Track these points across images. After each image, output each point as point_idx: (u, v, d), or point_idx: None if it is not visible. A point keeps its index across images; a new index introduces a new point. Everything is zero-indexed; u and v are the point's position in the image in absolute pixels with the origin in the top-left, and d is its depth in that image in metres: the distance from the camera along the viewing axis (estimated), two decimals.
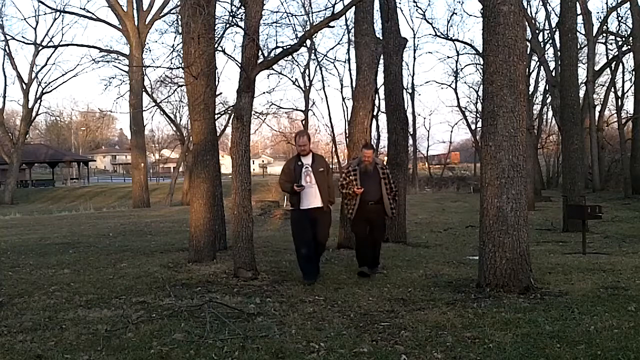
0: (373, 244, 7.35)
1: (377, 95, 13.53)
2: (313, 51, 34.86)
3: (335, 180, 7.79)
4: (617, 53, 33.81)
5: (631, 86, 33.34)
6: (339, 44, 57.69)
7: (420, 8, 56.37)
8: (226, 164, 34.07)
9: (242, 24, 7.37)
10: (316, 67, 39.47)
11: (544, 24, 33.27)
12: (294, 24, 29.98)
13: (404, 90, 15.49)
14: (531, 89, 34.49)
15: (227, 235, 9.64)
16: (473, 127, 42.70)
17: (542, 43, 30.71)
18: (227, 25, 8.35)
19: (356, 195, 7.18)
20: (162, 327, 4.75)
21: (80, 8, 64.59)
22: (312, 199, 6.77)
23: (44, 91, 38.68)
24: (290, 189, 6.82)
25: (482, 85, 11.08)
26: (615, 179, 35.39)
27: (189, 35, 8.11)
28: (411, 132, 38.99)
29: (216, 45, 8.64)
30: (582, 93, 24.69)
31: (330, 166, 10.98)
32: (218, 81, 9.67)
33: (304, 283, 6.54)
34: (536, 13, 34.89)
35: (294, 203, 6.88)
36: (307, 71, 40.22)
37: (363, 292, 6.04)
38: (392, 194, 7.34)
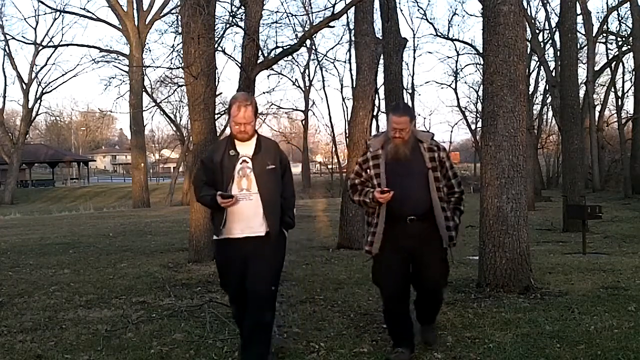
0: (424, 302, 4.10)
1: (377, 95, 13.55)
2: (313, 51, 35.02)
3: (296, 187, 4.42)
4: (617, 53, 33.80)
5: (631, 86, 33.32)
6: (339, 44, 57.84)
7: (420, 8, 56.36)
8: None
9: (242, 24, 7.40)
10: (316, 67, 39.71)
11: (544, 24, 33.27)
12: (294, 24, 30.05)
13: (404, 90, 15.52)
14: (531, 89, 34.42)
15: None
16: (473, 127, 42.67)
17: (542, 43, 30.68)
18: (227, 25, 8.39)
19: (379, 204, 3.82)
20: (162, 327, 4.76)
21: (80, 8, 64.61)
22: (251, 219, 3.72)
23: (44, 91, 38.64)
24: (210, 200, 3.74)
25: (482, 85, 11.09)
26: (615, 179, 35.38)
27: (189, 35, 8.12)
28: None
29: (216, 45, 8.65)
30: (582, 93, 24.67)
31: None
32: (218, 81, 9.65)
33: None
34: (536, 13, 34.82)
35: (216, 225, 3.81)
36: (307, 71, 40.45)
37: (363, 292, 6.03)
38: (454, 199, 4.06)
